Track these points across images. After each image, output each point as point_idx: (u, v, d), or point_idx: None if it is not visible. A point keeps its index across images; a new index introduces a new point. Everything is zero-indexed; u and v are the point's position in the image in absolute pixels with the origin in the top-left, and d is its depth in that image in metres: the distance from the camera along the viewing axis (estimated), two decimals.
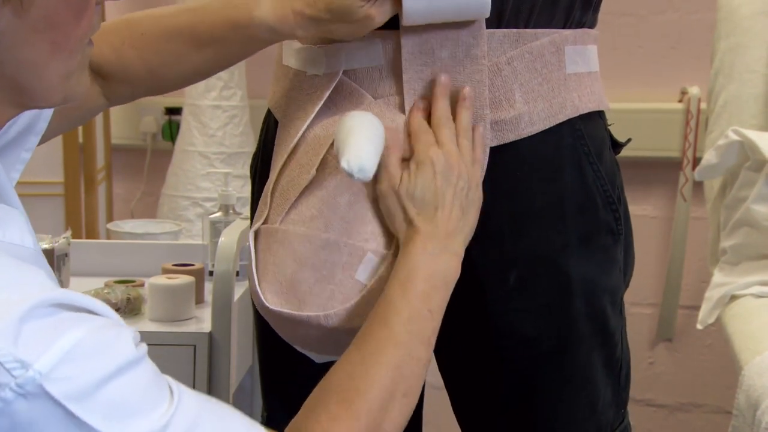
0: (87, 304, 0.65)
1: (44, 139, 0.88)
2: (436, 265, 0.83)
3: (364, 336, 0.80)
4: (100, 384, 0.62)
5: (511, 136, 0.90)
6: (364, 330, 0.81)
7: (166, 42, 0.90)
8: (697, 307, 1.78)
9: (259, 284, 0.90)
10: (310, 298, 0.87)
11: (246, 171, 2.21)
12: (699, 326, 1.73)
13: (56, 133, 0.93)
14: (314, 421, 0.74)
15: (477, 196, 0.88)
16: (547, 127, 0.91)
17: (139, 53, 0.91)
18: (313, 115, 0.92)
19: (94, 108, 0.96)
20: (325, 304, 0.87)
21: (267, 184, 0.94)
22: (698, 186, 2.05)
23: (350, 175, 0.81)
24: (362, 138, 0.83)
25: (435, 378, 1.05)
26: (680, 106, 2.15)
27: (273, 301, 0.88)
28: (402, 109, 0.90)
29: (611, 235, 0.95)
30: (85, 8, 0.67)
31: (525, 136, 0.90)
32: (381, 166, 0.86)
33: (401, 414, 0.78)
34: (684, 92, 2.15)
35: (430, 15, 0.86)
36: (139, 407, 0.63)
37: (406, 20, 0.85)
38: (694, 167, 2.08)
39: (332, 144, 0.88)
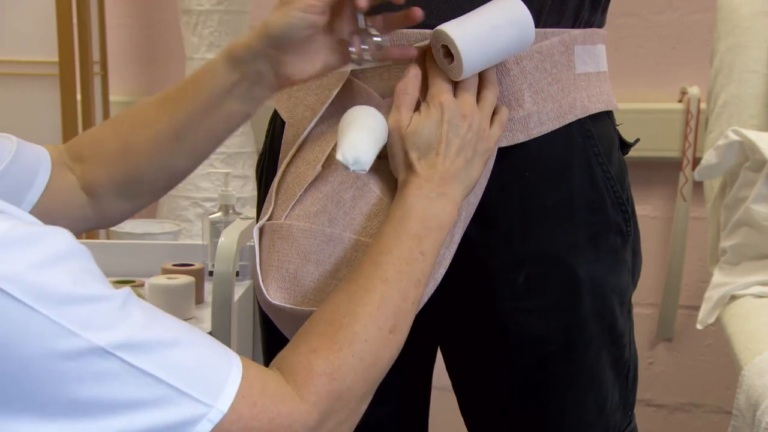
0: (7, 209, 0.66)
1: None
2: (430, 208, 0.83)
3: (354, 274, 0.80)
4: (34, 268, 0.62)
5: (520, 137, 0.90)
6: (356, 268, 0.81)
7: (137, 111, 0.91)
8: (697, 307, 1.78)
9: (262, 280, 0.89)
10: (314, 293, 0.87)
11: (246, 171, 2.21)
12: (699, 326, 1.73)
13: None
14: (296, 354, 0.74)
15: (486, 148, 0.87)
16: (556, 128, 0.91)
17: (113, 128, 0.91)
18: (320, 114, 0.92)
19: (71, 201, 0.91)
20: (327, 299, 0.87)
21: (273, 181, 0.94)
22: (698, 186, 2.04)
23: (345, 167, 0.80)
24: (359, 130, 0.83)
25: (439, 379, 1.05)
26: (680, 106, 2.15)
27: (276, 296, 0.88)
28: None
29: (620, 235, 0.95)
30: None
31: (535, 136, 0.90)
32: (394, 106, 0.86)
33: (387, 350, 0.77)
34: (684, 92, 2.15)
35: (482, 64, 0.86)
36: (77, 294, 0.63)
37: (464, 75, 0.86)
38: (694, 167, 2.08)
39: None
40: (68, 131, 2.16)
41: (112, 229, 1.87)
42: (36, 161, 0.89)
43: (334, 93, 0.91)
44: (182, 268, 1.57)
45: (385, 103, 0.90)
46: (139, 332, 0.64)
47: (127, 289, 0.67)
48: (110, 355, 0.63)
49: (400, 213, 0.82)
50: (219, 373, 0.68)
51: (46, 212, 0.87)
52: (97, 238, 2.22)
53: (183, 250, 1.72)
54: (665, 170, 2.19)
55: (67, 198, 0.90)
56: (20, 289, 0.61)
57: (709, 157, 1.74)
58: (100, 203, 0.92)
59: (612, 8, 0.99)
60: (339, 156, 0.80)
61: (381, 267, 0.79)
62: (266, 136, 1.04)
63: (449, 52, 0.85)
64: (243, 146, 2.21)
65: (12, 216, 0.65)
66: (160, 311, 0.69)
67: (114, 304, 0.64)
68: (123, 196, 0.92)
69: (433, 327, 0.97)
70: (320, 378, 0.72)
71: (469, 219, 0.90)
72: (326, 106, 0.92)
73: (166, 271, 1.55)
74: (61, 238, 0.65)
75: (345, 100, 0.92)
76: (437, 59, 0.86)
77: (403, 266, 0.80)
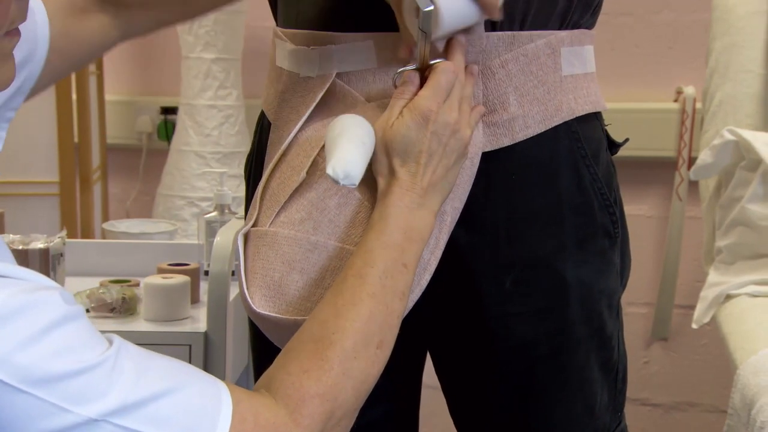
0: (5, 271, 0.65)
1: (44, 86, 0.87)
2: (412, 220, 0.82)
3: (339, 286, 0.79)
4: (23, 346, 0.61)
5: (505, 140, 0.90)
6: (339, 281, 0.80)
7: None
8: (693, 307, 1.78)
9: (247, 288, 0.88)
10: (298, 302, 0.86)
11: (242, 170, 2.21)
12: (694, 326, 1.73)
13: (61, 76, 0.91)
14: (287, 374, 0.73)
15: (464, 153, 0.86)
16: (542, 131, 0.90)
17: None
18: (305, 117, 0.91)
19: (103, 43, 0.91)
20: (312, 307, 0.85)
21: (258, 186, 0.93)
22: (694, 185, 2.05)
23: (336, 182, 0.80)
24: (349, 143, 0.82)
25: (431, 378, 1.05)
26: (676, 105, 2.15)
27: (261, 305, 0.87)
28: None
29: (608, 237, 0.95)
30: None
31: (520, 139, 0.90)
32: (389, 107, 0.85)
33: (375, 365, 0.77)
34: (679, 92, 2.16)
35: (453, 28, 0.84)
36: (67, 370, 0.63)
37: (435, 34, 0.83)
38: (689, 167, 2.08)
39: (323, 146, 0.88)
40: (64, 131, 2.16)
41: (108, 229, 1.87)
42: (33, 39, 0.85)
43: (319, 96, 0.91)
44: (178, 267, 1.57)
45: (370, 106, 0.90)
46: (130, 393, 0.64)
47: (116, 343, 0.67)
48: (103, 422, 0.63)
49: (382, 223, 0.82)
50: (209, 414, 0.67)
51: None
52: (93, 238, 2.22)
53: (178, 249, 1.72)
54: (661, 170, 2.20)
55: (95, 38, 0.90)
56: (9, 373, 0.61)
57: (704, 156, 1.74)
58: (135, 32, 0.93)
59: (609, 8, 0.98)
60: (329, 170, 0.80)
61: (367, 281, 0.78)
62: (254, 136, 1.03)
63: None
64: (238, 146, 2.21)
65: (10, 279, 0.64)
66: (149, 355, 0.68)
67: (104, 369, 0.64)
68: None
69: (422, 331, 0.97)
70: (313, 400, 0.72)
71: (455, 223, 0.89)
72: (311, 109, 0.91)
73: (161, 271, 1.55)
74: (53, 305, 0.64)
75: (330, 102, 0.91)
76: (409, 22, 0.83)
77: (388, 280, 0.79)
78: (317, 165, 0.89)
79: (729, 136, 1.70)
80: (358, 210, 0.87)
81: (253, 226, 0.91)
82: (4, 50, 0.70)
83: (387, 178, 0.84)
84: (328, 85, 0.91)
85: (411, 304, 0.86)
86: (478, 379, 0.96)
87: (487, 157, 0.90)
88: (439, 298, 0.92)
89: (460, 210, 0.89)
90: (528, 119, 0.90)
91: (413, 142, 0.83)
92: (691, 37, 2.16)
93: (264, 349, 1.02)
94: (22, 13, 0.69)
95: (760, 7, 1.82)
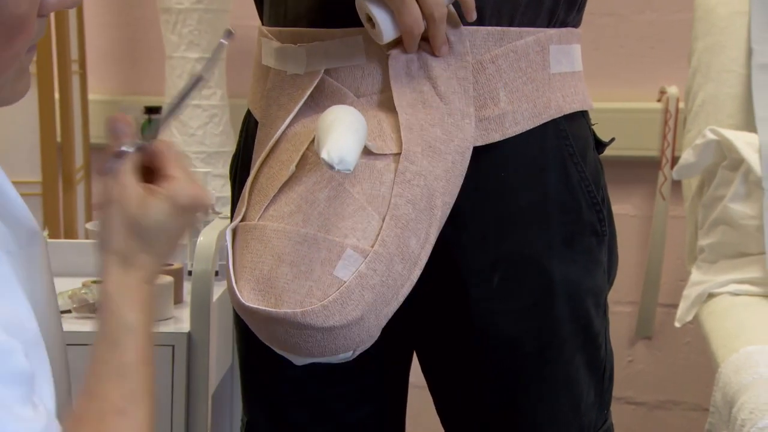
0: None
1: None
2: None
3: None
4: None
5: (496, 136, 0.90)
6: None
7: None
8: (676, 305, 1.79)
9: (236, 282, 0.88)
10: (288, 295, 0.85)
11: (226, 170, 2.20)
12: (677, 324, 1.74)
13: None
14: None
15: None
16: (531, 127, 0.91)
17: None
18: (293, 114, 0.91)
19: None
20: (302, 300, 0.85)
21: (246, 182, 0.93)
22: (677, 185, 2.06)
23: (330, 167, 0.80)
24: (343, 130, 0.82)
25: (418, 377, 1.05)
26: (659, 105, 2.16)
27: (250, 299, 0.86)
28: (384, 107, 0.90)
29: (595, 236, 0.95)
30: (20, 31, 0.67)
31: (509, 135, 0.90)
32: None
33: None
34: (662, 92, 2.16)
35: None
36: None
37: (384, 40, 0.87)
38: (672, 166, 2.09)
39: (313, 140, 0.88)
40: (46, 131, 2.15)
41: (91, 229, 1.86)
42: None
43: (308, 92, 0.91)
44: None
45: (359, 102, 0.90)
46: None
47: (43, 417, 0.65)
48: None
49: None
50: None
51: None
52: (76, 238, 2.21)
53: None
54: (644, 169, 2.20)
55: None
56: None
57: (687, 156, 1.75)
58: None
59: (592, 8, 0.99)
60: (324, 155, 0.79)
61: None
62: (240, 136, 1.03)
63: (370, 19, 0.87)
64: (223, 146, 2.20)
65: None
66: None
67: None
68: None
69: (408, 330, 0.97)
70: None
71: (444, 219, 0.89)
72: (299, 105, 0.91)
73: None
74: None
75: (319, 99, 0.91)
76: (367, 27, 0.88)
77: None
78: (306, 159, 0.89)
79: (711, 136, 1.71)
80: (349, 203, 0.87)
81: (242, 220, 0.91)
82: (24, 65, 0.72)
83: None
84: (316, 82, 0.91)
85: (402, 299, 0.86)
86: (465, 377, 0.96)
87: (477, 153, 0.90)
88: (427, 294, 0.91)
89: (451, 205, 0.89)
90: (517, 115, 0.90)
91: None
92: (674, 37, 2.17)
93: (250, 350, 1.02)
94: (42, 29, 0.71)
95: (742, 7, 1.83)
